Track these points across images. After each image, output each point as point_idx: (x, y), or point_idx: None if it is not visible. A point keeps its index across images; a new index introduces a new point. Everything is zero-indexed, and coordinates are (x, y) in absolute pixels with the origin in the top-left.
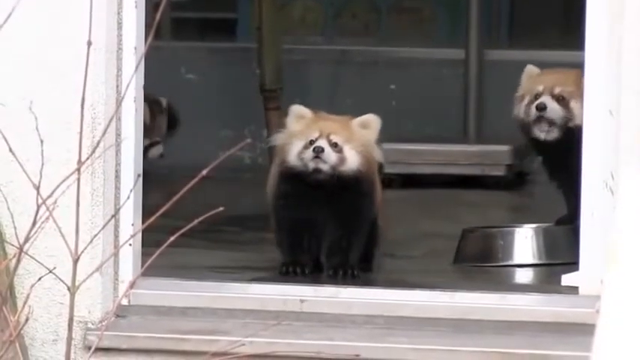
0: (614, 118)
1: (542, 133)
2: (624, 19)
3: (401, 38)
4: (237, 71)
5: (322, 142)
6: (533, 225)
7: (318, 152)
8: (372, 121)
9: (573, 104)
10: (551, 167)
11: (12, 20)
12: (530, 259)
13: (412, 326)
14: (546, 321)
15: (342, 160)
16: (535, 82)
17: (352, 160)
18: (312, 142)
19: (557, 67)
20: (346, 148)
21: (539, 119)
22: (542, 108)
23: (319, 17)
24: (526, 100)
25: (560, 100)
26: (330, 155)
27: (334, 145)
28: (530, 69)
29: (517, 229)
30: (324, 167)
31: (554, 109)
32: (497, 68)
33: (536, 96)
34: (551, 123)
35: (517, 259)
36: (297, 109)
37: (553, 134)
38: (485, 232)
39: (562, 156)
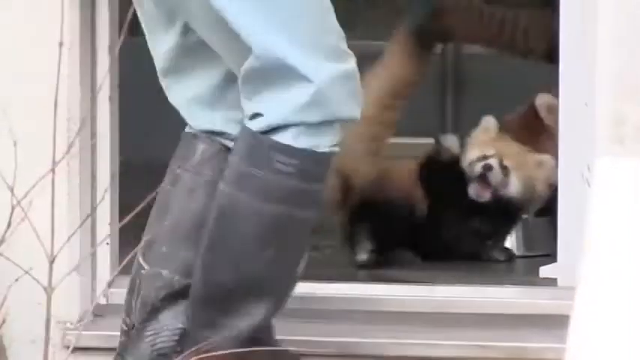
0: (589, 109)
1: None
2: (598, 8)
3: (377, 31)
4: None
5: None
6: None
7: None
8: None
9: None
10: None
11: None
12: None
13: (392, 321)
14: (525, 313)
15: None
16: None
17: None
18: None
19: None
20: None
21: None
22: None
23: None
24: None
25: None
26: None
27: None
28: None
29: None
30: None
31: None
32: (474, 60)
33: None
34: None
35: None
36: None
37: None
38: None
39: None
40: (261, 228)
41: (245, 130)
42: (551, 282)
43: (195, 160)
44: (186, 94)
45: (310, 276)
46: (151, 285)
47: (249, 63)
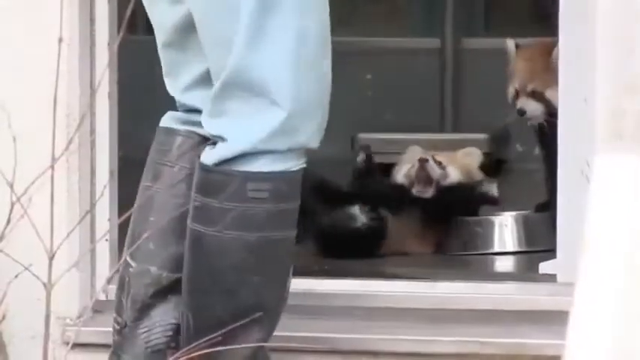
0: (588, 105)
1: None
2: (597, 4)
3: (376, 28)
4: None
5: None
6: (513, 212)
7: None
8: None
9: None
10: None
11: None
12: (510, 247)
13: (391, 317)
14: (524, 309)
15: None
16: None
17: None
18: None
19: None
20: None
21: None
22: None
23: None
24: None
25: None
26: None
27: None
28: None
29: (496, 217)
30: None
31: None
32: (473, 56)
33: None
34: None
35: (496, 247)
36: None
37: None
38: (464, 220)
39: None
40: (245, 256)
41: (206, 166)
42: (551, 278)
43: (173, 155)
44: (183, 69)
45: (309, 272)
46: (139, 282)
47: (226, 76)
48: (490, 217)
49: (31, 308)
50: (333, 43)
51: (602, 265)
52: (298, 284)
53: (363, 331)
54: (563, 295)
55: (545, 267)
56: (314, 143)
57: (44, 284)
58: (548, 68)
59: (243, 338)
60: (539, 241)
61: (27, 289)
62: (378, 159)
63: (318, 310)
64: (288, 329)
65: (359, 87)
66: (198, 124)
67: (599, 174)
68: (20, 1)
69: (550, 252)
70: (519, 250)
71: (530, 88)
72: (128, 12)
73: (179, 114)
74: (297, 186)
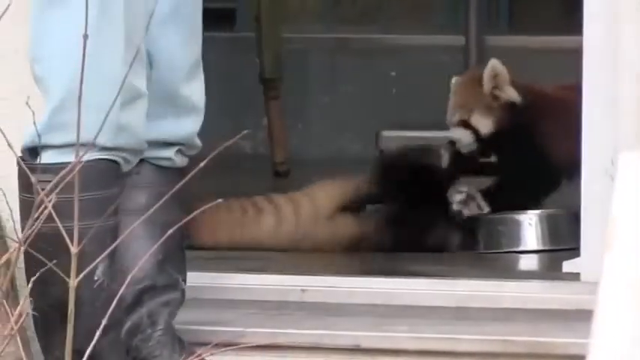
0: (612, 104)
1: None
2: (620, 5)
3: (400, 25)
4: (237, 61)
5: None
6: (537, 211)
7: None
8: None
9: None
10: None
11: (7, 15)
12: (534, 245)
13: (413, 315)
14: (548, 308)
15: None
16: None
17: None
18: None
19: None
20: None
21: None
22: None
23: (318, 5)
24: None
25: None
26: None
27: None
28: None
29: (520, 215)
30: None
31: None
32: (497, 54)
33: None
34: None
35: (521, 245)
36: None
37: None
38: (488, 219)
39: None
40: (37, 249)
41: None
42: (575, 277)
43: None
44: None
45: (332, 270)
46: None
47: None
48: (515, 215)
49: None
50: (357, 40)
51: (625, 264)
52: (321, 281)
53: (386, 328)
54: (586, 294)
55: (568, 265)
56: (107, 141)
57: (68, 281)
58: (475, 95)
59: (60, 337)
60: (563, 240)
61: None
62: None
63: (340, 307)
64: (310, 327)
65: (383, 84)
66: None
67: (624, 172)
68: None
69: (574, 250)
70: (543, 248)
71: (456, 117)
72: (152, 10)
73: None
74: (90, 178)
